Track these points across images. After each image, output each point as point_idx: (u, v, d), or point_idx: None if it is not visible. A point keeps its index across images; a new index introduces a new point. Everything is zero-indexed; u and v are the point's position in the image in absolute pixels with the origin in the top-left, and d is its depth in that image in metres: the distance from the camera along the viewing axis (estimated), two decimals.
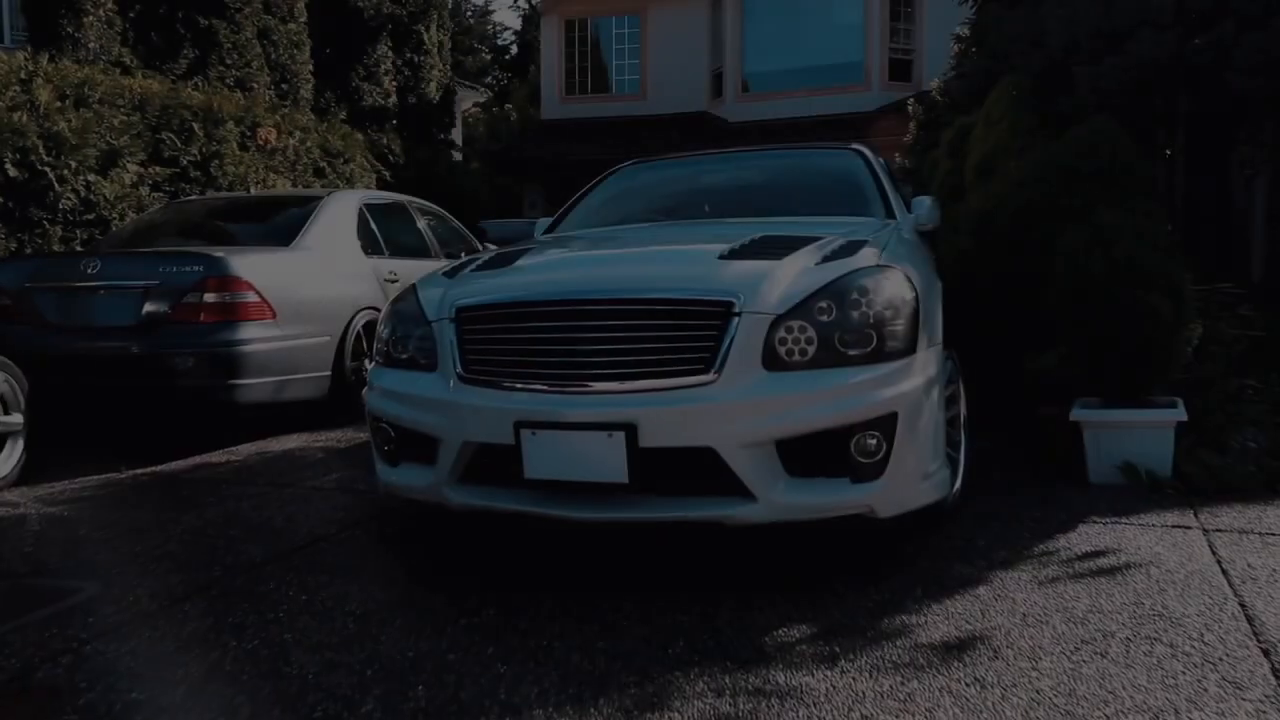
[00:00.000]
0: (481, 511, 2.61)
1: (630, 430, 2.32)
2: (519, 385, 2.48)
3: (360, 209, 5.89)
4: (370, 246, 5.76)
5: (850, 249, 2.73)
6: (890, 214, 3.68)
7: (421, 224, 6.62)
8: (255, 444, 4.79)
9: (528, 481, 2.45)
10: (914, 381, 2.46)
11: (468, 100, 22.04)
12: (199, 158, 7.14)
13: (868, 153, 4.24)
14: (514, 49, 35.63)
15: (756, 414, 2.33)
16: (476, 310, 2.62)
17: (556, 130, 17.17)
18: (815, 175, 4.19)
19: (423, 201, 6.99)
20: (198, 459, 4.46)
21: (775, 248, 2.73)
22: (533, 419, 2.41)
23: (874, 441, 2.39)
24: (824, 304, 2.43)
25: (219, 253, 4.64)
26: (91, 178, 6.05)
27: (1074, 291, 3.48)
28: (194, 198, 6.57)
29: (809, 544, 2.77)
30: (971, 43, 9.22)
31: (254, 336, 4.60)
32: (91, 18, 7.35)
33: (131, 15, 8.16)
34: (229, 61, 8.74)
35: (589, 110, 17.30)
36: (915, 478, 2.48)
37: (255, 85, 9.02)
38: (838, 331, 2.42)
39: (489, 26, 36.63)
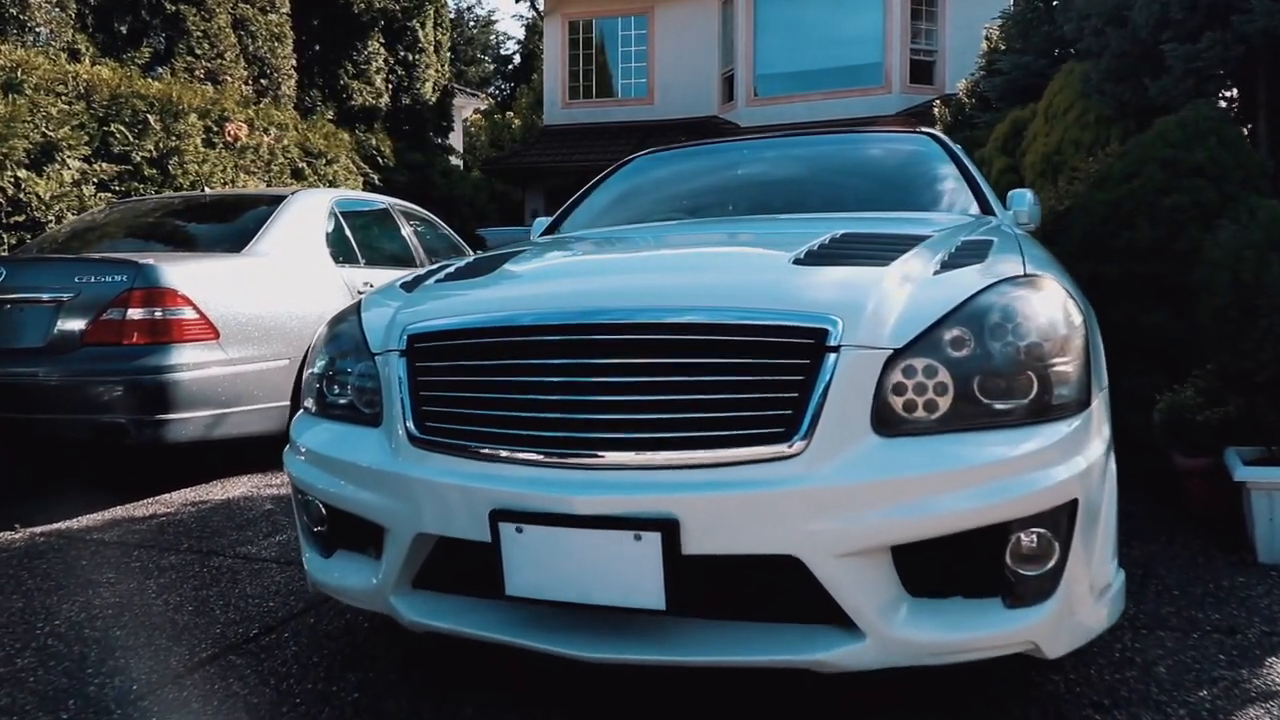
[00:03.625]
0: (444, 634, 1.78)
1: (669, 529, 1.49)
2: (501, 453, 1.65)
3: (332, 211, 5.10)
4: (342, 254, 4.97)
5: (975, 251, 1.91)
6: (986, 209, 2.86)
7: (406, 230, 5.83)
8: (194, 489, 4.00)
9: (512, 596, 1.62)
10: (1093, 450, 1.63)
11: (469, 107, 21.36)
12: (155, 154, 6.30)
13: (944, 138, 3.43)
14: (517, 59, 35.13)
15: (864, 504, 1.49)
16: (436, 339, 1.77)
17: (559, 136, 16.44)
18: (882, 163, 3.36)
19: (408, 205, 6.20)
20: (118, 510, 3.66)
21: (869, 249, 1.90)
22: (518, 507, 1.58)
23: (1039, 542, 1.56)
24: (958, 333, 1.60)
25: (148, 259, 3.83)
26: (22, 174, 5.23)
27: (1237, 310, 2.65)
28: (142, 197, 5.75)
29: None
30: (1016, 37, 8.47)
31: (190, 361, 3.80)
32: None
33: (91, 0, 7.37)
34: (199, 51, 7.92)
35: (593, 115, 16.56)
36: (1092, 593, 1.65)
37: (228, 78, 8.20)
38: (979, 375, 1.59)
39: (492, 36, 36.18)
